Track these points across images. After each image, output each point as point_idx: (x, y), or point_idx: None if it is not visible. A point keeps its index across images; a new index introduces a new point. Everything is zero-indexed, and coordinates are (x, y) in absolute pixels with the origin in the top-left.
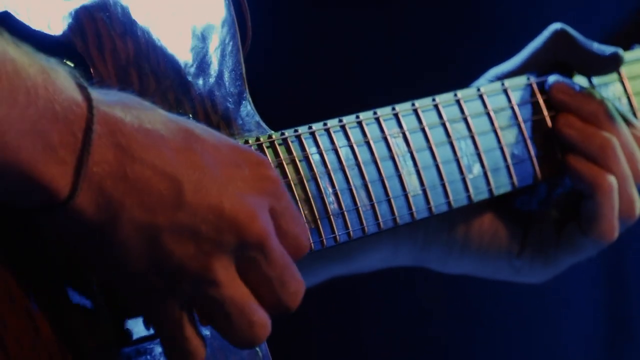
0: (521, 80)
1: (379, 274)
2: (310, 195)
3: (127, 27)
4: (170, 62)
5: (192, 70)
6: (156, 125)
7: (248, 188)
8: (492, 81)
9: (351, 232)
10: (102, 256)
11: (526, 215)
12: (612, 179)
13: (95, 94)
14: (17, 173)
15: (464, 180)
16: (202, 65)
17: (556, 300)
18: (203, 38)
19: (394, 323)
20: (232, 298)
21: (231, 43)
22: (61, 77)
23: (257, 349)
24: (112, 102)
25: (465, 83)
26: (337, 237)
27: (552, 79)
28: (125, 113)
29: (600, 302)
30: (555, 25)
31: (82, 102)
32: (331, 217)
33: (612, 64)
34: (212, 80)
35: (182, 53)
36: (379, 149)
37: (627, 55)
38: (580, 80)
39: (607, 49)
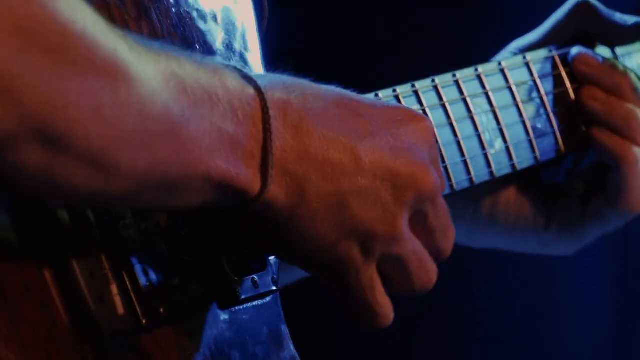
0: (543, 52)
1: None
2: None
3: (141, 10)
4: (186, 46)
5: (209, 53)
6: (318, 100)
7: (413, 142)
8: (515, 54)
9: None
10: (294, 236)
11: (552, 189)
12: (637, 151)
13: (259, 80)
14: (210, 182)
15: (485, 155)
16: (219, 47)
17: (564, 292)
18: (219, 20)
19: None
20: (414, 252)
21: (248, 24)
22: (229, 75)
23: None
24: (274, 85)
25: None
26: None
27: (574, 50)
28: (289, 93)
29: (609, 292)
30: None
31: (254, 94)
32: None
33: (635, 34)
34: (230, 62)
35: (199, 36)
36: None
37: None
38: (603, 51)
39: (630, 19)
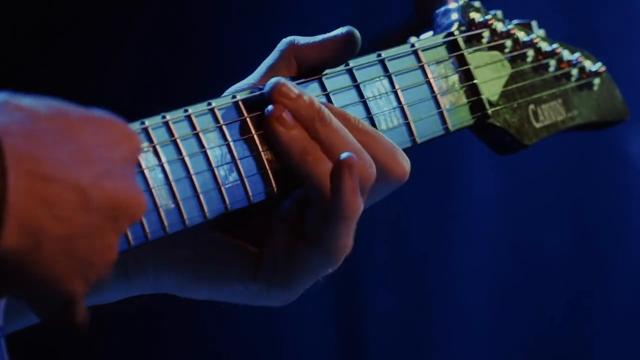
0: (227, 99)
1: None
2: None
3: None
4: None
5: None
6: (30, 119)
7: (128, 163)
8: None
9: None
10: (29, 279)
11: (258, 238)
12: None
13: None
14: None
15: (197, 197)
16: None
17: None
18: None
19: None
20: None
21: None
22: None
23: None
24: None
25: None
26: None
27: (272, 82)
28: None
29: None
30: (286, 39)
31: None
32: None
33: (349, 46)
34: None
35: None
36: None
37: (398, 50)
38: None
39: (338, 31)
